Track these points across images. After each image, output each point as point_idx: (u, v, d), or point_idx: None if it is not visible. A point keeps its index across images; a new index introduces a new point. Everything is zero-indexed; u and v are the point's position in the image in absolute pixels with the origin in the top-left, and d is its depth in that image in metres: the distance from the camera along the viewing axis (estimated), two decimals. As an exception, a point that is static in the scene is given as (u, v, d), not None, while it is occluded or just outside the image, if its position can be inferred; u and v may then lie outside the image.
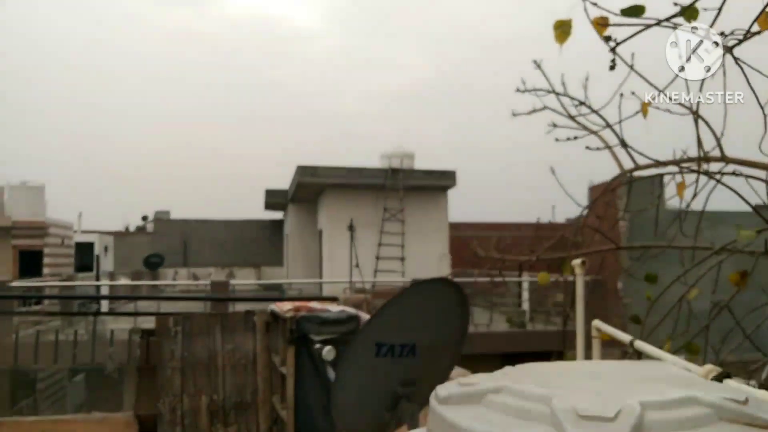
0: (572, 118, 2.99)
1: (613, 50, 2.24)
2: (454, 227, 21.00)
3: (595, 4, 2.10)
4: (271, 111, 62.16)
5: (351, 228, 8.40)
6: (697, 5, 1.93)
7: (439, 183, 17.26)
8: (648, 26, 2.08)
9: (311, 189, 17.95)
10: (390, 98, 59.49)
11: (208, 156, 59.86)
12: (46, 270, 17.51)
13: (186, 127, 59.50)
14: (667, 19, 2.04)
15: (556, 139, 3.00)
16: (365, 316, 4.49)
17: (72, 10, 55.79)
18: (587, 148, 2.94)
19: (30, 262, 17.54)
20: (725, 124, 2.25)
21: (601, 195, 3.72)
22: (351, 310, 4.60)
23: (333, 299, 5.89)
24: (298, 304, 4.70)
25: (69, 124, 57.64)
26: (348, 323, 4.15)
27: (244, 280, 23.49)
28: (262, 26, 59.47)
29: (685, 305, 2.64)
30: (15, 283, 11.63)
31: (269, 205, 23.40)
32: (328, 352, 3.11)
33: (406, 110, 61.69)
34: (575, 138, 2.93)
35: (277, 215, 25.15)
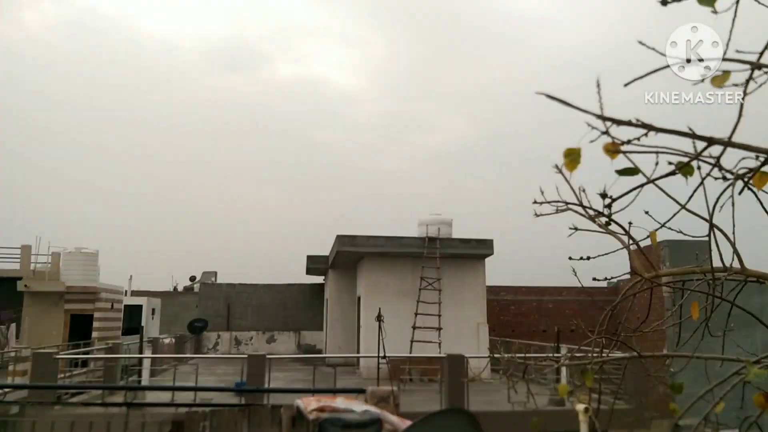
0: (592, 220, 3.11)
1: (609, 206, 2.37)
2: (493, 291, 20.87)
3: (605, 133, 2.22)
4: (314, 173, 63.78)
5: (379, 318, 8.52)
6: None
7: (476, 251, 17.32)
8: (644, 184, 2.23)
9: (350, 257, 18.26)
10: (430, 159, 60.25)
11: (254, 217, 61.45)
12: (94, 334, 18.10)
13: (233, 189, 61.43)
14: (665, 176, 2.18)
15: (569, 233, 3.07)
16: (389, 417, 4.60)
17: (124, 80, 59.18)
18: (605, 254, 3.04)
19: (80, 326, 18.22)
20: (735, 239, 2.32)
21: (620, 300, 3.78)
22: (374, 410, 4.71)
23: (361, 391, 6.01)
24: (323, 402, 4.84)
25: (123, 186, 60.23)
26: (370, 426, 4.26)
27: (284, 345, 23.69)
28: (306, 89, 61.70)
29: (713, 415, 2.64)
30: (61, 354, 12.08)
31: (311, 270, 23.78)
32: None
33: (446, 171, 62.29)
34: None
35: (318, 279, 25.49)
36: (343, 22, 61.09)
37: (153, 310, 22.81)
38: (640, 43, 2.04)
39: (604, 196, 2.27)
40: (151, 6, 60.89)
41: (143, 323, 19.52)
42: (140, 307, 21.84)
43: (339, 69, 63.17)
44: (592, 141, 2.30)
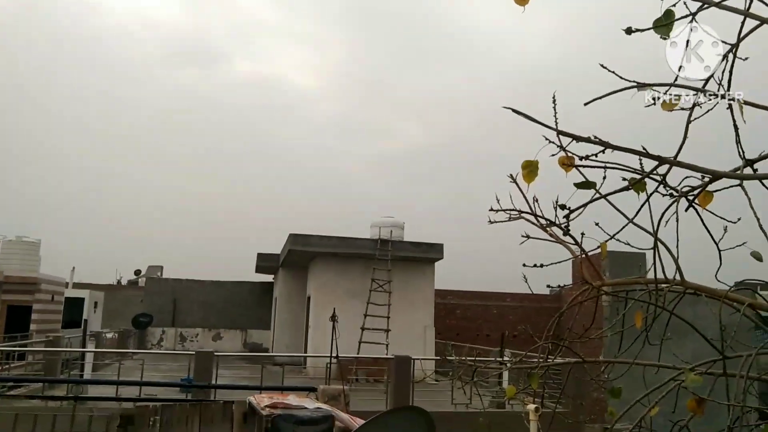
0: (544, 229, 3.25)
1: (567, 217, 2.50)
2: (441, 294, 21.17)
3: (562, 149, 2.33)
4: (267, 171, 63.15)
5: (333, 318, 8.58)
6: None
7: (426, 255, 17.55)
8: (596, 199, 2.38)
9: (302, 256, 18.20)
10: (384, 163, 60.57)
11: (202, 214, 60.34)
12: (33, 326, 17.46)
13: (181, 184, 60.22)
14: (618, 191, 2.33)
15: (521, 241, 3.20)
16: (341, 415, 4.68)
17: (78, 62, 57.31)
18: (558, 262, 3.19)
19: (18, 318, 17.52)
20: (678, 253, 2.49)
21: (567, 307, 3.95)
22: (326, 408, 4.77)
23: (311, 390, 6.06)
24: (275, 399, 4.87)
25: (68, 177, 58.20)
26: (323, 423, 4.33)
27: (230, 342, 23.40)
28: (262, 87, 61.08)
29: (647, 419, 2.81)
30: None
31: (260, 269, 23.57)
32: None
33: (399, 175, 62.75)
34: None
35: (268, 278, 25.28)
36: (303, 22, 60.84)
37: (95, 303, 22.15)
38: (602, 66, 2.19)
39: (563, 207, 2.40)
40: (105, -10, 59.10)
41: (85, 317, 18.93)
42: (82, 300, 21.17)
43: (296, 68, 62.86)
44: (552, 155, 2.45)
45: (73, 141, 57.03)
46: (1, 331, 17.06)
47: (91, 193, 57.71)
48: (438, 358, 14.93)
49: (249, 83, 60.63)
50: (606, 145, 2.18)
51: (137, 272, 32.99)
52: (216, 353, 11.23)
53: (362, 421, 4.22)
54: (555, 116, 2.43)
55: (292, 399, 4.94)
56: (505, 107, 2.36)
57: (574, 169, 2.48)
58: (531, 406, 2.53)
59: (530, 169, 2.56)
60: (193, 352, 11.45)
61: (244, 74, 60.61)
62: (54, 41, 56.73)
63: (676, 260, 2.55)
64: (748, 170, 2.12)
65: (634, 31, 2.12)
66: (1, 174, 53.73)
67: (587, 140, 2.26)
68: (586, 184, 2.39)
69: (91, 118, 57.18)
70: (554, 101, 2.54)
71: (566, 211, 2.51)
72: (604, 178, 2.36)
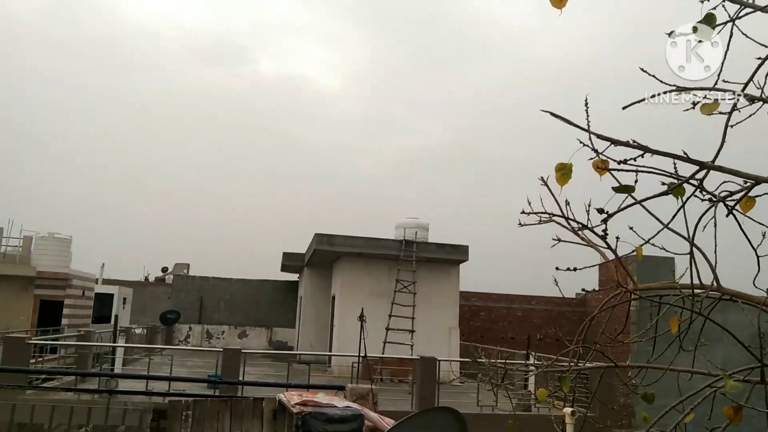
0: (575, 232, 3.25)
1: (605, 221, 2.49)
2: (465, 296, 21.12)
3: (596, 151, 2.33)
4: (292, 169, 63.55)
5: (362, 318, 8.63)
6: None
7: (451, 257, 17.53)
8: (636, 203, 2.37)
9: (327, 256, 18.32)
10: (406, 162, 60.51)
11: (228, 212, 60.96)
12: (64, 321, 17.85)
13: (209, 181, 60.89)
14: (656, 196, 2.33)
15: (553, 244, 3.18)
16: (370, 414, 4.72)
17: (105, 63, 58.31)
18: (592, 266, 3.18)
19: (50, 313, 17.94)
20: (716, 259, 2.47)
21: (599, 311, 3.93)
22: (356, 406, 4.82)
23: (340, 388, 6.12)
24: (305, 396, 4.93)
25: (98, 176, 59.29)
26: (353, 422, 4.37)
27: (256, 340, 23.62)
28: (287, 86, 61.46)
29: (682, 426, 2.79)
30: (33, 339, 11.94)
31: (286, 267, 23.76)
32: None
33: (422, 175, 62.65)
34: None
35: (293, 277, 25.47)
36: (326, 22, 61.05)
37: (124, 299, 22.55)
38: (642, 70, 2.19)
39: (600, 211, 2.41)
40: (134, -8, 60.07)
41: (115, 312, 19.28)
42: (111, 296, 21.57)
43: (320, 68, 63.12)
44: (590, 159, 2.45)
45: (101, 140, 58.13)
46: (34, 325, 17.48)
47: (120, 191, 58.75)
48: (464, 359, 14.89)
49: (274, 83, 61.14)
50: (645, 150, 2.18)
51: (164, 269, 33.51)
52: (243, 350, 11.37)
53: (391, 421, 4.26)
54: (587, 118, 2.43)
55: (321, 397, 5.00)
56: (543, 110, 2.37)
57: (606, 173, 2.48)
58: (567, 410, 2.53)
59: (564, 171, 2.55)
60: (221, 349, 11.61)
61: (269, 74, 61.14)
62: (82, 41, 57.89)
63: (712, 266, 2.53)
64: (788, 175, 2.10)
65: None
66: (33, 173, 54.98)
67: (626, 144, 2.26)
68: (625, 189, 2.38)
69: (118, 117, 58.25)
70: (586, 104, 2.55)
71: (604, 215, 2.51)
72: (636, 181, 2.36)
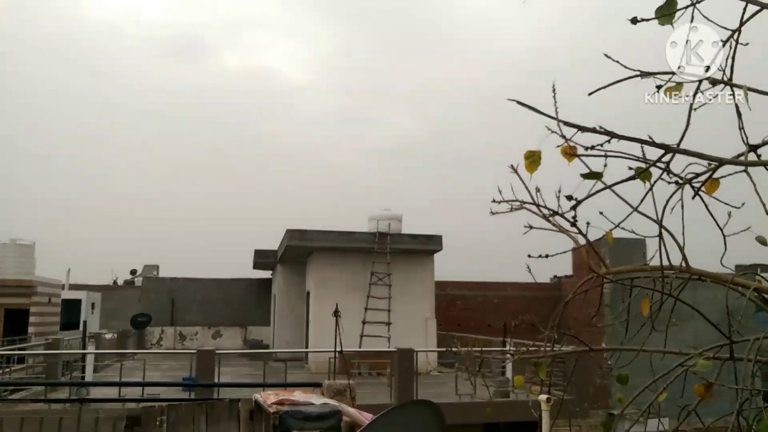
0: (547, 219, 3.25)
1: (574, 207, 2.49)
2: (441, 286, 21.21)
3: (564, 138, 2.32)
4: (262, 166, 62.97)
5: (336, 313, 8.59)
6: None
7: (425, 247, 17.57)
8: (605, 188, 2.38)
9: (300, 251, 18.20)
10: (381, 155, 60.46)
11: (197, 211, 60.20)
12: (31, 329, 17.41)
13: (174, 182, 60.01)
14: (624, 181, 2.33)
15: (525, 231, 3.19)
16: (348, 410, 4.69)
17: (66, 60, 56.90)
18: (563, 252, 3.19)
19: (15, 321, 17.47)
20: (684, 240, 2.50)
21: (573, 296, 3.96)
22: (334, 403, 4.78)
23: (317, 385, 6.07)
24: (281, 395, 4.88)
25: (59, 178, 57.82)
26: (331, 418, 4.34)
27: (230, 340, 23.40)
28: (254, 81, 60.80)
29: (656, 405, 2.83)
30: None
31: (258, 265, 23.55)
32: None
33: (397, 167, 62.68)
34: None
35: (266, 274, 25.26)
36: (292, 15, 60.51)
37: (93, 304, 22.10)
38: (606, 56, 2.19)
39: (569, 198, 2.41)
40: (91, -12, 58.60)
41: (83, 318, 18.87)
42: (79, 301, 21.11)
43: (288, 62, 62.53)
44: (557, 146, 2.45)
45: (62, 141, 56.77)
46: (0, 334, 17.02)
47: (84, 193, 57.51)
48: (441, 349, 14.97)
49: (240, 78, 60.41)
50: (611, 135, 2.18)
51: (133, 272, 32.92)
52: (217, 351, 11.23)
53: (370, 416, 4.23)
54: (555, 106, 2.42)
55: (298, 395, 4.95)
56: (510, 99, 2.35)
57: (574, 159, 2.49)
58: (542, 397, 2.54)
59: (533, 159, 2.55)
60: (194, 351, 11.46)
61: (235, 69, 60.39)
62: (41, 38, 56.37)
63: (681, 247, 2.56)
64: (752, 156, 2.12)
65: (639, 21, 2.12)
66: (-6, 177, 53.40)
67: (592, 130, 2.26)
68: (593, 175, 2.39)
69: (81, 117, 56.90)
70: (554, 91, 2.54)
71: (573, 202, 2.51)
72: (605, 166, 2.37)
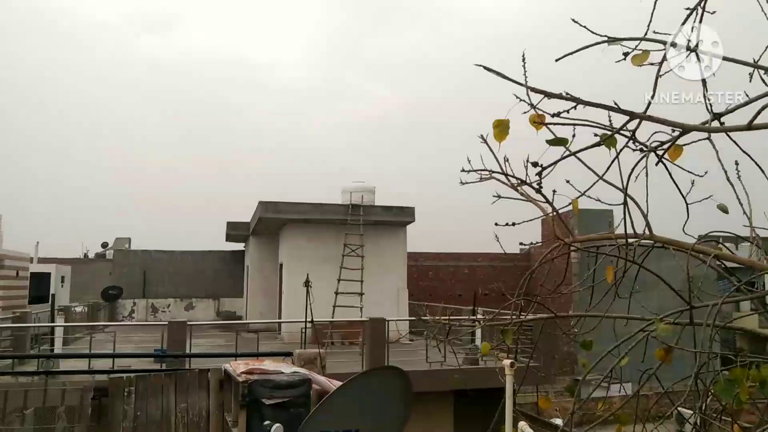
0: (515, 188, 3.26)
1: (539, 174, 2.49)
2: (413, 257, 21.36)
3: (532, 105, 2.31)
4: (235, 140, 62.03)
5: (307, 283, 8.58)
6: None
7: (398, 219, 17.60)
8: (570, 155, 2.37)
9: (273, 223, 18.09)
10: (356, 129, 59.99)
11: (169, 183, 59.26)
12: (-2, 302, 17.10)
13: (148, 154, 58.90)
14: (589, 147, 2.33)
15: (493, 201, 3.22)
16: (317, 378, 4.71)
17: (32, 35, 55.01)
18: (529, 220, 3.21)
19: (-19, 295, 17.12)
20: (648, 207, 2.53)
21: (539, 264, 4.00)
22: (303, 371, 4.80)
23: (287, 354, 6.08)
24: (251, 365, 4.87)
25: (27, 151, 56.29)
26: (300, 386, 4.35)
27: (203, 312, 23.30)
28: (226, 57, 59.55)
29: (618, 369, 2.89)
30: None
31: (230, 237, 23.38)
32: (276, 429, 3.30)
33: (372, 141, 62.35)
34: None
35: (238, 246, 25.10)
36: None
37: (62, 278, 21.72)
38: (573, 20, 2.16)
39: (535, 165, 2.40)
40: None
41: (53, 291, 18.57)
42: (48, 275, 20.71)
43: (261, 35, 61.26)
44: (524, 113, 2.43)
45: (31, 114, 55.19)
46: (-35, 308, 16.67)
47: (52, 165, 56.20)
48: (412, 318, 15.10)
49: (215, 51, 59.10)
50: (577, 101, 2.17)
51: (104, 245, 32.41)
52: (189, 323, 11.17)
53: (339, 383, 4.25)
54: (524, 74, 2.40)
55: (269, 364, 4.95)
56: (477, 65, 2.32)
57: (542, 128, 2.48)
58: (506, 362, 2.58)
59: (501, 128, 2.54)
60: (166, 323, 11.38)
61: (206, 43, 59.03)
62: (5, 13, 54.32)
63: (645, 215, 2.58)
64: (715, 124, 2.13)
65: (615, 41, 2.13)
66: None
67: (558, 96, 2.25)
68: (558, 141, 2.38)
69: (49, 90, 55.27)
70: (524, 59, 2.51)
71: (538, 168, 2.51)
72: (574, 135, 2.37)
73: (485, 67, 2.28)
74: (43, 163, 55.59)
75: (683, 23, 2.26)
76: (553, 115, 2.32)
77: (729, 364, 2.46)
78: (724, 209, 2.49)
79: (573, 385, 3.14)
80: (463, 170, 3.60)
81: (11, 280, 18.12)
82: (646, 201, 2.51)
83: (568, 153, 2.40)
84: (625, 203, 2.54)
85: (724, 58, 2.24)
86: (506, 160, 3.38)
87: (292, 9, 58.97)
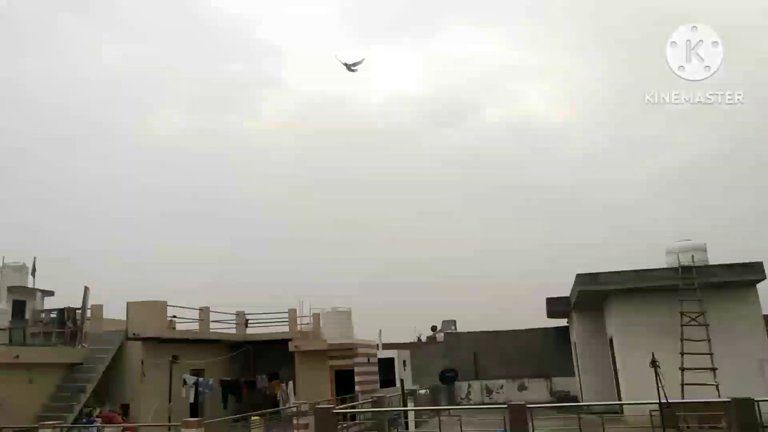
0: None
1: None
2: (771, 320, 18.12)
3: None
4: (533, 212, 62.21)
5: (654, 363, 7.92)
6: None
7: (743, 278, 15.33)
8: None
9: (594, 296, 17.39)
10: (664, 181, 55.07)
11: (481, 261, 61.62)
12: (357, 387, 19.53)
13: (463, 234, 62.41)
14: None
15: None
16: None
17: (331, 137, 64.14)
18: None
19: (343, 380, 19.82)
20: None
21: None
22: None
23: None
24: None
25: (367, 252, 63.72)
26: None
27: (537, 393, 23.07)
28: (515, 130, 61.09)
29: None
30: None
31: (552, 313, 23.10)
32: None
33: (686, 191, 56.30)
34: None
35: (561, 322, 24.61)
36: (539, 55, 59.93)
37: (404, 361, 23.91)
38: None
39: None
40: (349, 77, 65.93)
41: (399, 376, 20.54)
42: (392, 359, 23.02)
43: (544, 104, 61.76)
44: None
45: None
46: (332, 393, 19.42)
47: (384, 262, 63.19)
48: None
49: (504, 129, 61.37)
50: None
51: (433, 328, 34.89)
52: (528, 405, 11.14)
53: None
54: None
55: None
56: None
57: None
58: None
59: None
60: (505, 405, 11.54)
61: (498, 121, 61.69)
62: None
63: None
64: None
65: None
66: (314, 250, 61.94)
67: None
68: None
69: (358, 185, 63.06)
70: None
71: None
72: None
73: None
74: (377, 262, 62.80)
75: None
76: None
77: None
78: None
79: None
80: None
81: (364, 366, 20.63)
82: None
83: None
84: None
85: None
86: None
87: (567, 73, 58.02)
